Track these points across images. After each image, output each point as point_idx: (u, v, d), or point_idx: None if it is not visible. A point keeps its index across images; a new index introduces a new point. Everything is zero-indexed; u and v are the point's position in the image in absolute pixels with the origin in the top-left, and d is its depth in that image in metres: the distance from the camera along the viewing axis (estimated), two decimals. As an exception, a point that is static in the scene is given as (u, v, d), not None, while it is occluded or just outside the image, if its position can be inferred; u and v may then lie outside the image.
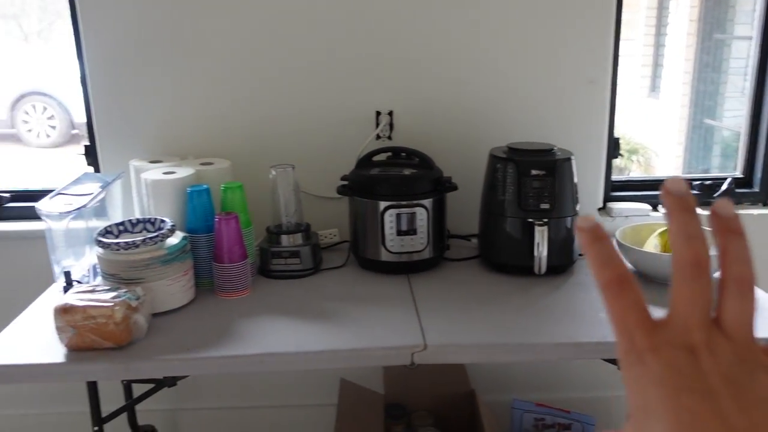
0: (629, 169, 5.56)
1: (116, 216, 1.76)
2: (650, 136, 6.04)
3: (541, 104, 1.86)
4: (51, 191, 1.57)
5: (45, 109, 7.23)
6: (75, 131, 7.02)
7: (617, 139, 1.97)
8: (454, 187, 1.68)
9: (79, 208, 1.45)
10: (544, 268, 1.57)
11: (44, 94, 7.21)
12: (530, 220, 1.57)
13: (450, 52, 1.82)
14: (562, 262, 1.62)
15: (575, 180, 1.62)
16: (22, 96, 7.09)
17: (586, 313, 1.40)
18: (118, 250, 1.40)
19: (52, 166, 6.43)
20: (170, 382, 1.56)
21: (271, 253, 1.65)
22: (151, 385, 1.66)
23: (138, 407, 1.84)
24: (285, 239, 1.67)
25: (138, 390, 1.74)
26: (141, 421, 1.88)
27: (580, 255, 1.72)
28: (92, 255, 1.56)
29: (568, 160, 1.61)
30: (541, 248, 1.55)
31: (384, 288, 1.58)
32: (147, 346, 1.31)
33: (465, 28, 1.80)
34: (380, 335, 1.33)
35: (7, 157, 6.57)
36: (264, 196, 1.72)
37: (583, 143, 1.87)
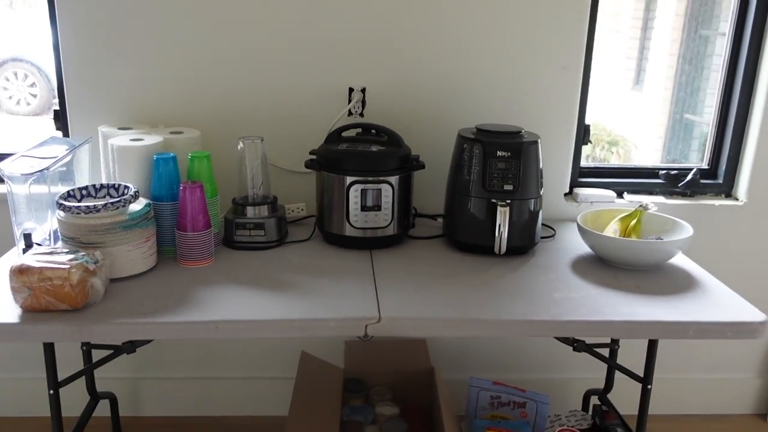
0: (609, 160, 5.60)
1: (83, 181, 1.75)
2: (632, 129, 6.08)
3: (514, 88, 1.87)
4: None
5: (26, 76, 7.14)
6: (56, 99, 6.96)
7: (588, 126, 1.98)
8: (422, 166, 1.69)
9: (41, 170, 1.44)
10: (504, 249, 1.59)
11: (26, 61, 7.11)
12: (493, 200, 1.59)
13: (424, 33, 1.82)
14: (523, 243, 1.64)
15: (540, 164, 1.64)
16: (3, 62, 6.99)
17: (542, 294, 1.42)
18: (78, 213, 1.40)
19: (30, 133, 6.34)
20: (129, 348, 1.56)
21: (236, 224, 1.66)
22: (110, 351, 1.66)
23: (98, 375, 1.84)
24: (250, 211, 1.67)
25: (98, 357, 1.74)
26: (100, 388, 1.89)
27: (542, 237, 1.74)
28: (54, 219, 1.55)
29: (535, 143, 1.62)
30: (503, 229, 1.57)
31: (346, 262, 1.59)
32: (103, 309, 1.31)
33: (441, 10, 1.80)
34: (337, 307, 1.35)
35: (-12, 122, 6.49)
36: (233, 167, 1.72)
37: (553, 128, 1.89)
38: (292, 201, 1.86)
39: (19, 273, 1.28)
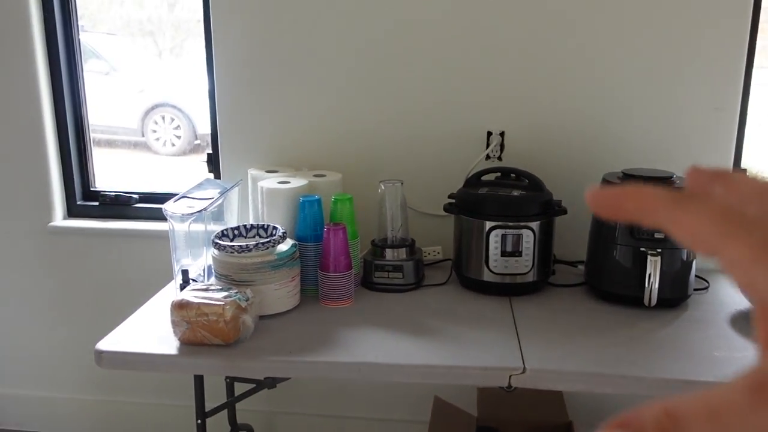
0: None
1: (232, 220, 1.86)
2: (781, 171, 5.67)
3: (661, 130, 1.79)
4: (175, 194, 1.68)
5: (172, 119, 7.75)
6: (197, 141, 7.48)
7: (744, 170, 1.85)
8: (564, 211, 1.64)
9: (200, 211, 1.54)
10: (654, 300, 1.50)
11: (172, 106, 7.73)
12: (643, 249, 1.51)
13: (566, 73, 1.79)
14: (674, 296, 1.54)
15: (694, 211, 1.54)
16: (153, 107, 7.65)
17: (700, 352, 1.32)
18: (231, 252, 1.47)
19: (175, 173, 6.86)
20: (270, 383, 1.62)
21: (375, 265, 1.68)
22: (253, 385, 1.72)
23: (238, 406, 1.91)
24: (389, 253, 1.69)
25: (239, 389, 1.81)
26: (240, 419, 1.95)
27: (695, 290, 1.62)
28: (208, 256, 1.65)
29: (688, 189, 1.53)
30: (653, 279, 1.48)
31: (485, 308, 1.56)
32: (252, 346, 1.36)
33: (582, 50, 1.77)
34: (478, 355, 1.32)
35: (136, 162, 7.09)
36: (372, 210, 1.76)
37: (704, 173, 1.77)
38: (429, 244, 1.86)
39: (179, 308, 1.36)
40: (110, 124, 7.06)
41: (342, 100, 1.89)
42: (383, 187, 1.70)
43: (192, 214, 1.54)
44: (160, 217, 2.09)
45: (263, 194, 1.69)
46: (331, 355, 1.33)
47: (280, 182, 1.71)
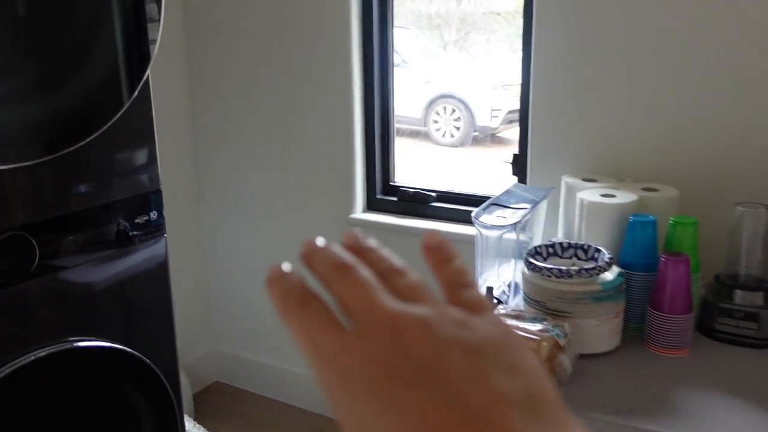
0: None
1: (538, 231, 1.65)
2: None
3: None
4: (475, 196, 1.53)
5: (453, 111, 7.86)
6: (475, 133, 7.48)
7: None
8: None
9: (514, 224, 1.36)
10: None
11: (454, 97, 7.83)
12: None
13: None
14: None
15: None
16: (437, 98, 7.82)
17: None
18: (549, 276, 1.27)
19: (454, 164, 6.95)
20: None
21: (720, 309, 1.34)
22: None
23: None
24: (740, 295, 1.34)
25: None
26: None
27: None
28: (513, 270, 1.47)
29: None
30: None
31: None
32: (569, 393, 1.14)
33: None
34: None
35: (417, 151, 7.32)
36: (714, 237, 1.42)
37: None
38: (792, 288, 1.45)
39: (488, 334, 1.19)
40: (398, 114, 7.40)
41: (680, 98, 1.56)
42: (741, 211, 1.35)
43: (504, 226, 1.36)
44: (454, 218, 1.98)
45: (583, 208, 1.45)
46: (670, 424, 1.05)
47: (603, 195, 1.46)
